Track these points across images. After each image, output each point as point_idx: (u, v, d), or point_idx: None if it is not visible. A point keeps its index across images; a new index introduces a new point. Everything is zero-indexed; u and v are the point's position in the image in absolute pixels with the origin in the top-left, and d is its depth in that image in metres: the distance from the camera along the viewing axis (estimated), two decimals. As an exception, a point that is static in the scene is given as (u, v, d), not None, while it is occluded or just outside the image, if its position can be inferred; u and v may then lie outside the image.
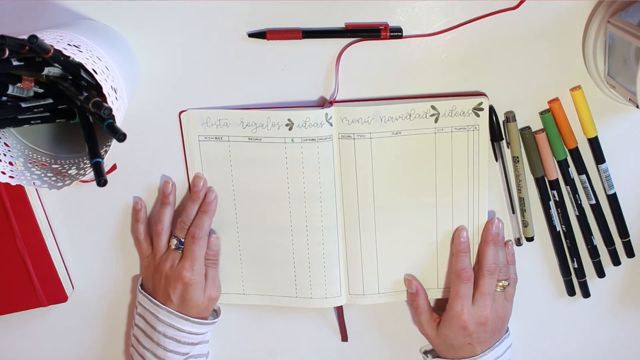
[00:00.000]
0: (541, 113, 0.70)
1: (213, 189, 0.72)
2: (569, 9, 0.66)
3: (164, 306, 0.72)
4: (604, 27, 0.64)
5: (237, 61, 0.68)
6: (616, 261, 0.76)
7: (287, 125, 0.69)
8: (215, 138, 0.71)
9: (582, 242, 0.76)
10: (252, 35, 0.67)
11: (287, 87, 0.70)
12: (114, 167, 0.73)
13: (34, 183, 0.61)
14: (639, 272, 0.78)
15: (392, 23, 0.67)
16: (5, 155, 0.63)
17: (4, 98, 0.60)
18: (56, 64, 0.54)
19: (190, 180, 0.73)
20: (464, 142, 0.70)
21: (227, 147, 0.71)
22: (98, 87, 0.56)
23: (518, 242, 0.76)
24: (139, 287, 0.75)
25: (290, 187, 0.72)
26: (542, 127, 0.71)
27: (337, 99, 0.69)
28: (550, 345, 0.81)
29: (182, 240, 0.72)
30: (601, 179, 0.73)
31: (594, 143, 0.71)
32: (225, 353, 0.82)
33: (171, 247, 0.72)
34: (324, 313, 0.79)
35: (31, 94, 0.61)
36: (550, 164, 0.71)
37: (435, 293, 0.76)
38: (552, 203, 0.74)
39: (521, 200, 0.73)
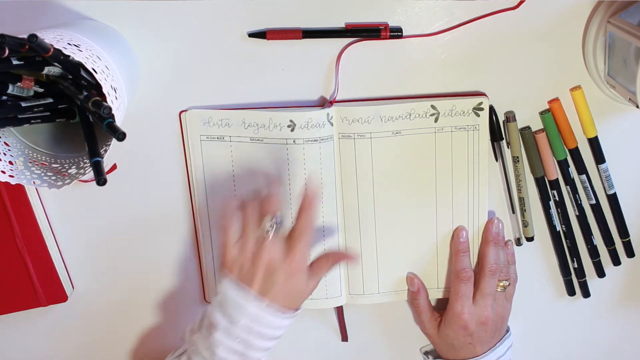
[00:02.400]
0: (541, 113, 0.70)
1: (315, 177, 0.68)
2: (569, 9, 0.66)
3: (253, 294, 0.62)
4: (604, 27, 0.64)
5: (237, 61, 0.68)
6: (616, 261, 0.76)
7: (289, 126, 0.69)
8: (217, 138, 0.71)
9: (582, 242, 0.76)
10: (252, 35, 0.67)
11: (287, 87, 0.70)
12: (114, 167, 0.73)
13: (34, 182, 0.61)
14: (639, 272, 0.78)
15: (392, 23, 0.67)
16: (5, 154, 0.63)
17: (4, 97, 0.60)
18: (56, 63, 0.54)
19: (193, 178, 0.72)
20: (464, 142, 0.70)
21: (229, 148, 0.71)
22: (98, 87, 0.56)
23: (518, 242, 0.76)
24: (223, 273, 0.64)
25: (291, 187, 0.72)
26: (542, 127, 0.71)
27: (337, 98, 0.69)
28: (550, 345, 0.81)
29: (278, 215, 0.63)
30: (601, 179, 0.73)
31: (594, 143, 0.71)
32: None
33: (266, 229, 0.63)
34: (323, 313, 0.79)
35: (31, 93, 0.61)
36: (550, 164, 0.71)
37: (435, 293, 0.77)
38: (552, 203, 0.74)
39: (521, 200, 0.73)
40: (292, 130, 0.69)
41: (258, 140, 0.70)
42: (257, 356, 0.63)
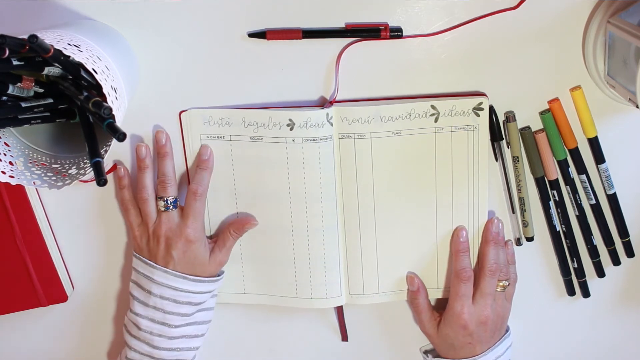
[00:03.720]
0: (541, 113, 0.70)
1: (207, 145, 0.71)
2: (569, 9, 0.66)
3: (159, 266, 0.70)
4: (604, 27, 0.64)
5: (237, 61, 0.68)
6: (616, 261, 0.76)
7: (288, 125, 0.69)
8: (218, 137, 0.71)
9: (582, 242, 0.76)
10: (252, 35, 0.67)
11: (287, 87, 0.70)
12: (114, 167, 0.73)
13: (34, 183, 0.61)
14: (639, 272, 0.78)
15: (392, 23, 0.67)
16: (5, 155, 0.63)
17: (4, 98, 0.60)
18: (56, 64, 0.54)
19: (192, 177, 0.73)
20: (464, 142, 0.70)
21: (229, 146, 0.71)
22: (98, 87, 0.56)
23: (518, 242, 0.76)
24: (134, 253, 0.73)
25: (291, 187, 0.72)
26: (542, 127, 0.71)
27: (337, 99, 0.69)
28: (550, 345, 0.81)
29: (169, 199, 0.70)
30: (601, 179, 0.73)
31: (594, 143, 0.71)
32: (225, 353, 0.82)
33: (160, 209, 0.70)
34: (324, 313, 0.79)
35: (31, 93, 0.61)
36: (550, 164, 0.71)
37: (435, 293, 0.77)
38: (552, 203, 0.74)
39: (521, 200, 0.73)
40: (291, 129, 0.69)
41: (258, 139, 0.70)
42: (177, 322, 0.71)
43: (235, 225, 0.72)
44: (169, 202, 0.70)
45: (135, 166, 0.72)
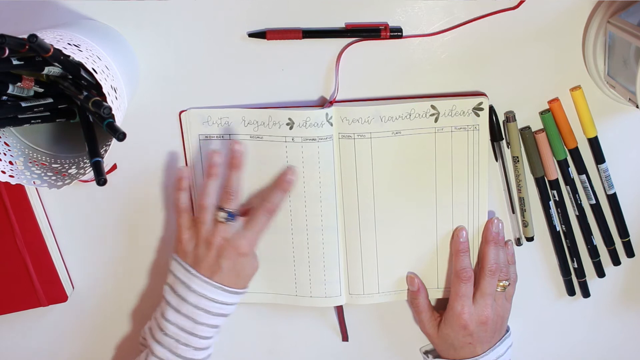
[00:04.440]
0: (541, 113, 0.70)
1: (293, 167, 0.70)
2: (569, 9, 0.66)
3: (199, 275, 0.68)
4: (604, 27, 0.64)
5: (237, 61, 0.68)
6: (616, 261, 0.76)
7: (287, 124, 0.69)
8: (217, 137, 0.71)
9: (582, 242, 0.76)
10: (252, 35, 0.67)
11: (287, 87, 0.70)
12: (114, 167, 0.73)
13: (34, 182, 0.61)
14: (639, 272, 0.78)
15: (392, 23, 0.67)
16: (5, 154, 0.63)
17: (4, 97, 0.60)
18: (56, 63, 0.54)
19: (192, 178, 0.73)
20: (464, 142, 0.70)
21: (228, 146, 0.71)
22: (98, 87, 0.56)
23: (518, 242, 0.76)
24: (174, 256, 0.71)
25: (290, 186, 0.72)
26: (542, 127, 0.71)
27: (337, 98, 0.69)
28: (550, 345, 0.81)
29: (231, 212, 0.68)
30: (601, 179, 0.73)
31: (594, 143, 0.71)
32: (225, 352, 0.81)
33: (219, 219, 0.68)
34: (324, 313, 0.79)
35: (31, 93, 0.61)
36: (550, 164, 0.71)
37: (435, 293, 0.77)
38: (552, 203, 0.74)
39: (521, 200, 0.73)
40: (291, 128, 0.69)
41: (257, 137, 0.70)
42: (205, 333, 0.69)
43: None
44: (229, 215, 0.68)
45: (133, 168, 0.72)
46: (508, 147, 0.72)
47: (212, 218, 0.69)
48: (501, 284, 0.73)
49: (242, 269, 0.69)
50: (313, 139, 0.69)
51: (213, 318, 0.69)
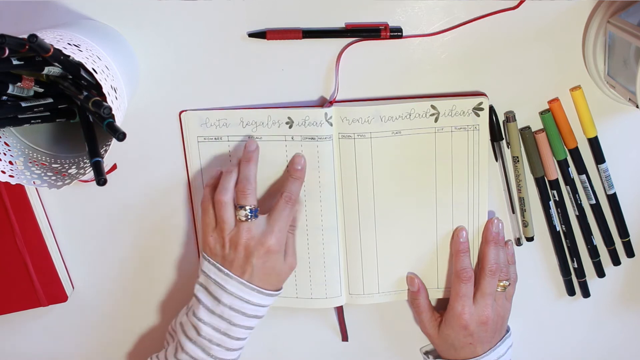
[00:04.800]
0: (541, 113, 0.70)
1: (301, 154, 0.70)
2: (569, 9, 0.66)
3: (235, 276, 0.67)
4: (604, 27, 0.64)
5: (237, 61, 0.68)
6: (616, 261, 0.76)
7: (287, 123, 0.69)
8: (215, 139, 0.71)
9: (582, 242, 0.76)
10: (252, 35, 0.67)
11: (287, 87, 0.70)
12: (114, 167, 0.73)
13: (34, 182, 0.61)
14: (639, 272, 0.78)
15: (392, 23, 0.67)
16: (5, 154, 0.63)
17: (4, 97, 0.60)
18: (56, 63, 0.54)
19: (191, 177, 0.73)
20: (464, 142, 0.70)
21: (226, 147, 0.71)
22: (98, 87, 0.56)
23: (518, 242, 0.76)
24: (204, 255, 0.69)
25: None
26: (542, 127, 0.71)
27: (337, 98, 0.69)
28: (550, 345, 0.81)
29: (250, 208, 0.66)
30: (601, 179, 0.73)
31: (594, 143, 0.71)
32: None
33: (240, 218, 0.66)
34: (324, 313, 0.79)
35: (31, 93, 0.61)
36: (550, 164, 0.71)
37: (435, 293, 0.77)
38: (552, 203, 0.74)
39: (521, 200, 0.73)
40: (290, 127, 0.69)
41: (257, 137, 0.70)
42: (239, 334, 0.68)
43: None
44: (250, 212, 0.67)
45: (133, 168, 0.72)
46: (508, 147, 0.72)
47: (235, 218, 0.67)
48: (501, 284, 0.73)
49: (273, 267, 0.68)
50: (312, 138, 0.69)
51: (248, 320, 0.68)
